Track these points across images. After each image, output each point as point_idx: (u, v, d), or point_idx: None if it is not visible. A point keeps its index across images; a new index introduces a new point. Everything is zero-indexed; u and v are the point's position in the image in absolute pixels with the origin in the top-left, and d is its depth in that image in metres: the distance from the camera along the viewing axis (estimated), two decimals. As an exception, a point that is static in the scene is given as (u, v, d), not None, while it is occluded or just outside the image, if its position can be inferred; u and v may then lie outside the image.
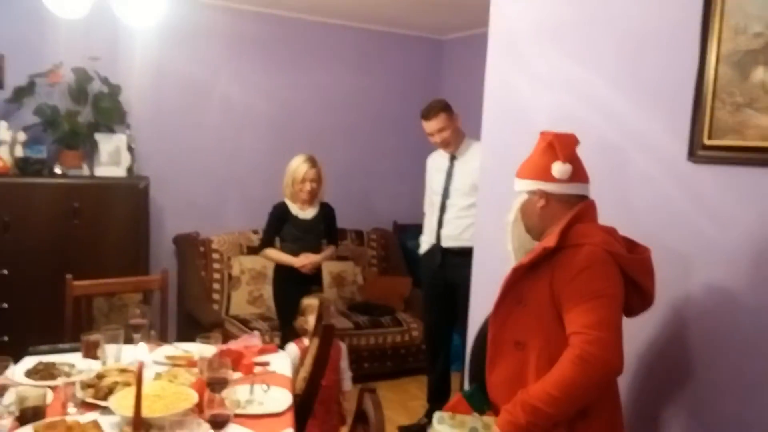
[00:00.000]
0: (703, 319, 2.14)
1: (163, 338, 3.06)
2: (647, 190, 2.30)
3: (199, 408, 1.97)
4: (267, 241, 3.90)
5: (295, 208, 3.85)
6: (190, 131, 4.80)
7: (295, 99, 5.11)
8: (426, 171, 3.96)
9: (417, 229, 5.28)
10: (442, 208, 3.74)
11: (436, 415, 1.99)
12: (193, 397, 2.00)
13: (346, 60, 5.26)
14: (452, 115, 3.68)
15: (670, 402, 2.23)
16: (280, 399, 2.17)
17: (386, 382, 4.56)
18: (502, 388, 1.95)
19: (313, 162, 3.81)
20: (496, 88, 2.97)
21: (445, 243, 3.73)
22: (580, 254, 1.86)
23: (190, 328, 4.31)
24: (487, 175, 3.04)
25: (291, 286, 3.71)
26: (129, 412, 1.85)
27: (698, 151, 2.12)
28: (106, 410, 1.99)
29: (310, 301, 3.11)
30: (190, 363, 2.42)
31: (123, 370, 2.22)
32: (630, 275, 1.91)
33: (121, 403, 1.94)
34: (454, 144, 3.70)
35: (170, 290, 4.57)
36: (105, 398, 2.04)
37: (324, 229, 3.91)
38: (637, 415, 2.27)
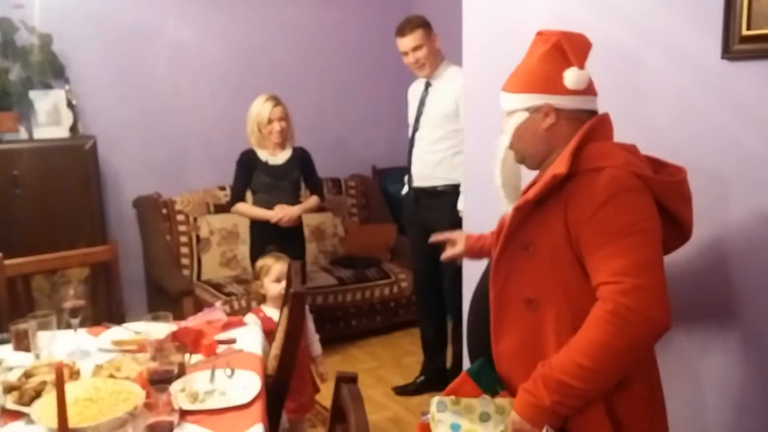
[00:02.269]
0: (747, 254, 1.78)
1: (117, 318, 2.67)
2: (669, 98, 1.91)
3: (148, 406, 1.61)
4: (237, 195, 3.53)
5: (264, 154, 3.46)
6: (139, 83, 4.30)
7: (255, 39, 4.60)
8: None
9: (398, 173, 4.89)
10: (412, 141, 3.34)
11: (435, 400, 1.60)
12: (136, 396, 1.62)
13: (307, -9, 4.75)
14: (430, 34, 3.24)
15: (709, 357, 1.89)
16: (247, 385, 1.80)
17: (377, 338, 4.25)
18: (513, 359, 1.58)
19: (276, 100, 3.42)
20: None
21: (417, 182, 3.35)
22: (600, 181, 1.46)
23: (160, 299, 3.94)
24: (472, 101, 2.63)
25: (269, 243, 3.30)
26: (54, 423, 1.48)
27: (734, 45, 1.72)
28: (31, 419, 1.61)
29: (264, 262, 2.71)
30: (141, 347, 2.04)
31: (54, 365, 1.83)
32: (662, 203, 1.53)
33: (46, 411, 1.57)
34: (429, 66, 3.24)
35: (136, 259, 4.24)
36: (31, 403, 1.67)
37: (300, 176, 3.54)
38: (669, 373, 1.92)
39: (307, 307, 2.76)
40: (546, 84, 1.58)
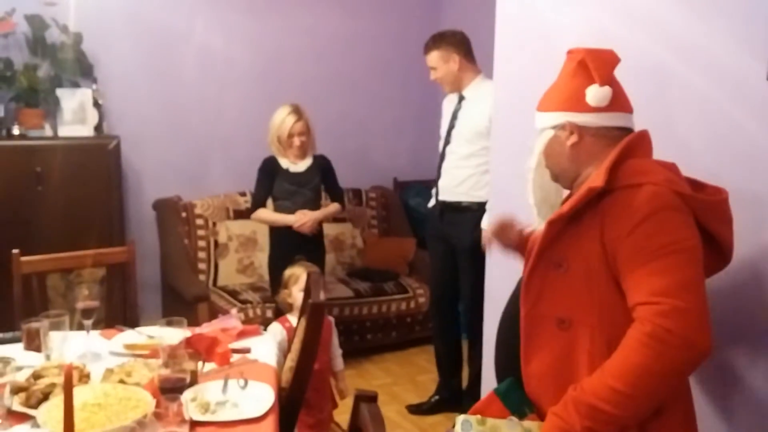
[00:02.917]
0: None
1: (131, 321, 2.64)
2: (710, 119, 1.83)
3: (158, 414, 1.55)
4: (258, 201, 3.51)
5: (285, 162, 3.46)
6: (166, 85, 4.30)
7: (281, 47, 4.59)
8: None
9: (419, 186, 4.86)
10: (443, 155, 3.30)
11: (460, 419, 1.53)
12: (146, 403, 1.57)
13: (337, 1, 4.72)
14: (448, 56, 3.19)
15: (743, 391, 1.80)
16: (261, 398, 1.75)
17: (392, 353, 4.18)
18: (543, 381, 1.51)
19: (298, 113, 3.39)
20: (511, 10, 2.49)
21: (442, 195, 3.31)
22: (640, 197, 1.41)
23: (175, 304, 3.90)
24: (501, 117, 2.58)
25: (289, 252, 3.25)
26: (59, 428, 1.43)
27: (782, 68, 1.65)
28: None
29: (293, 271, 2.69)
30: (153, 353, 2.00)
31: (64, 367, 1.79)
32: (702, 223, 1.47)
33: (52, 414, 1.52)
34: (448, 85, 3.26)
35: (153, 262, 4.20)
36: (38, 405, 1.62)
37: (321, 183, 3.53)
38: (702, 407, 1.84)
39: (332, 320, 2.73)
40: (569, 102, 1.57)
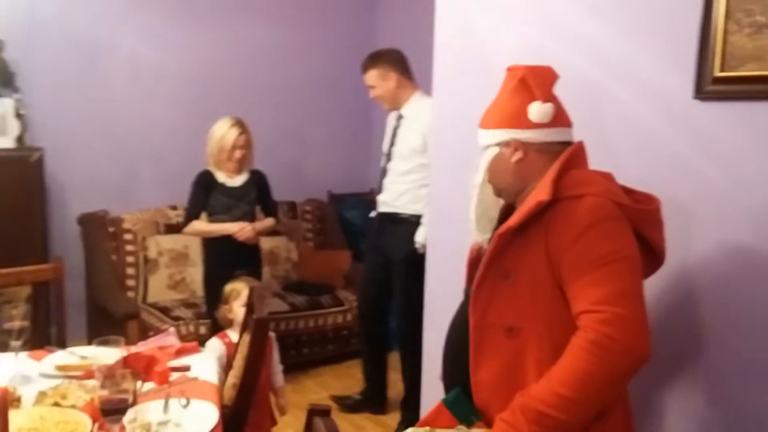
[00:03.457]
0: (714, 288, 1.79)
1: (60, 341, 2.52)
2: (639, 135, 1.93)
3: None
4: (192, 215, 3.43)
5: (221, 176, 3.40)
6: (93, 95, 4.15)
7: (214, 58, 4.51)
8: None
9: (354, 199, 4.88)
10: (384, 172, 3.38)
11: (409, 431, 1.55)
12: (85, 426, 1.51)
13: (270, 12, 4.69)
14: (386, 74, 3.26)
15: (674, 392, 1.89)
16: (204, 416, 1.71)
17: (329, 367, 4.15)
18: (492, 389, 1.54)
19: (242, 127, 3.36)
20: (447, 27, 2.54)
21: (382, 208, 3.40)
22: (582, 208, 1.46)
23: (103, 322, 3.76)
24: (441, 132, 2.61)
25: (225, 266, 3.22)
26: (-8, 455, 1.35)
27: (707, 86, 1.75)
28: (-35, 450, 1.48)
29: (234, 286, 2.65)
30: (87, 374, 1.92)
31: (-6, 391, 1.70)
32: (638, 230, 1.53)
33: (-17, 441, 1.43)
34: (387, 103, 3.33)
35: (77, 279, 4.03)
36: (-35, 433, 1.53)
37: (257, 198, 3.48)
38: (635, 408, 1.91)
39: (273, 336, 2.69)
40: (512, 119, 1.60)
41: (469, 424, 1.58)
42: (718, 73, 1.72)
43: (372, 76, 3.29)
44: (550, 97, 1.60)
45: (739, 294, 1.73)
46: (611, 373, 1.36)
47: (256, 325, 1.80)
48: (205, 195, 3.36)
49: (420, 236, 3.16)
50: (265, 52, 4.69)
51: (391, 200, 3.33)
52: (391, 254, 3.33)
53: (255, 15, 4.62)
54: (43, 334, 2.84)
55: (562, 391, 1.37)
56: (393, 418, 3.47)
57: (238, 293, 2.57)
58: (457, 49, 2.49)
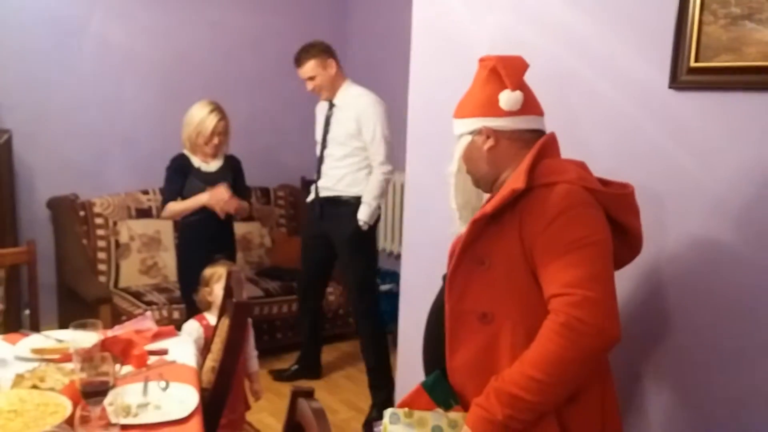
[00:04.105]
0: (684, 276, 1.84)
1: (33, 325, 2.49)
2: (614, 124, 1.96)
3: (73, 421, 1.48)
4: (169, 198, 3.37)
5: (196, 161, 3.36)
6: (61, 77, 4.06)
7: (185, 41, 4.44)
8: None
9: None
10: (321, 158, 3.54)
11: (388, 412, 1.57)
12: (65, 408, 1.50)
13: (243, -6, 4.64)
14: (325, 62, 3.40)
15: (646, 379, 1.94)
16: (184, 399, 1.71)
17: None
18: (468, 373, 1.57)
19: (221, 113, 3.32)
20: (425, 15, 2.55)
21: (322, 193, 3.55)
22: (554, 195, 1.49)
23: (74, 307, 3.71)
24: (416, 121, 2.63)
25: (199, 250, 3.21)
26: (-29, 438, 1.34)
27: (682, 76, 1.78)
28: (-58, 434, 1.46)
29: (215, 269, 2.65)
30: (64, 357, 1.90)
31: (-31, 374, 1.68)
32: (613, 216, 1.57)
33: (-39, 424, 1.42)
34: (327, 91, 3.45)
35: (48, 263, 3.97)
36: (-58, 416, 1.51)
37: (231, 184, 3.41)
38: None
39: (249, 320, 2.68)
40: (484, 107, 1.63)
41: (447, 407, 1.60)
42: (693, 64, 1.76)
43: (312, 67, 3.39)
44: (520, 86, 1.62)
45: (713, 284, 1.78)
46: (581, 354, 1.39)
47: (236, 310, 1.80)
48: (181, 179, 3.31)
49: (362, 214, 3.36)
50: (237, 35, 4.63)
51: (331, 185, 3.48)
52: (335, 236, 3.49)
53: (228, -2, 4.57)
54: (15, 318, 2.79)
55: (534, 373, 1.40)
56: (366, 402, 3.50)
57: (220, 276, 2.56)
58: (434, 36, 2.50)
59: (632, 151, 1.92)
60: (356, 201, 3.39)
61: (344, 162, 3.43)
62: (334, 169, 3.46)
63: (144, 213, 4.11)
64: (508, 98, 1.59)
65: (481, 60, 1.69)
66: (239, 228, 4.27)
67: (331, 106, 3.46)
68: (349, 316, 4.37)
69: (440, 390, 1.61)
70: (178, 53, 4.41)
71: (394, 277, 4.37)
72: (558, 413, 1.49)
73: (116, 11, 4.19)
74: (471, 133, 1.65)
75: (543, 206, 1.49)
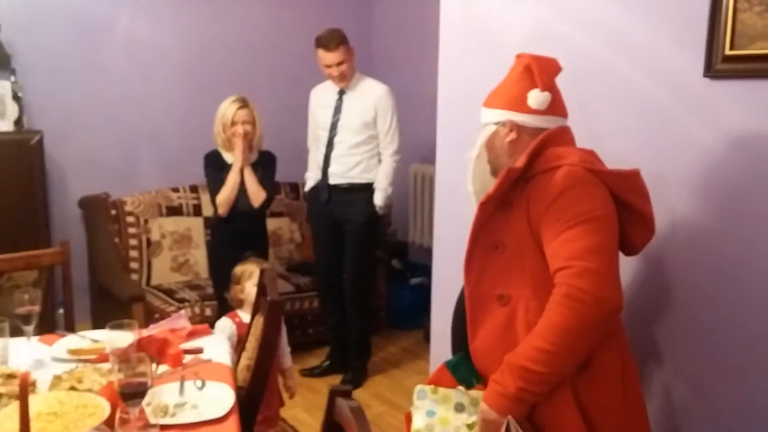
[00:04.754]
0: (721, 266, 1.81)
1: (68, 325, 2.53)
2: (649, 113, 1.94)
3: (112, 422, 1.50)
4: (216, 190, 3.34)
5: (229, 156, 3.36)
6: (90, 76, 4.11)
7: (211, 37, 4.46)
8: (309, 104, 3.74)
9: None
10: (330, 145, 3.55)
11: (417, 388, 1.70)
12: (104, 410, 1.52)
13: (267, -10, 4.64)
14: (351, 48, 3.47)
15: (649, 365, 1.92)
16: (221, 398, 1.72)
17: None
18: (488, 354, 1.64)
19: (243, 102, 3.32)
20: (454, 8, 2.52)
21: (332, 180, 3.58)
22: (557, 176, 1.56)
23: (107, 305, 3.77)
24: (446, 113, 2.61)
25: (230, 247, 3.24)
26: (14, 440, 1.36)
27: (717, 65, 1.75)
28: (-15, 435, 1.49)
29: (246, 267, 2.66)
30: (101, 357, 1.93)
31: (10, 376, 1.70)
32: (621, 197, 1.60)
33: (5, 426, 1.44)
34: (349, 78, 3.51)
35: (80, 262, 4.02)
36: (-15, 417, 1.54)
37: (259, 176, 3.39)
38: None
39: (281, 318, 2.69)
40: (512, 102, 1.69)
41: (469, 386, 1.69)
42: (728, 52, 1.73)
43: (343, 52, 3.41)
44: (549, 87, 1.68)
45: (752, 274, 1.75)
46: (583, 323, 1.43)
47: (270, 307, 1.81)
48: (221, 175, 3.31)
49: (379, 200, 3.52)
50: (265, 31, 4.64)
51: (343, 171, 3.53)
52: (347, 222, 3.56)
53: (253, -7, 4.57)
54: (49, 318, 2.85)
55: (541, 344, 1.45)
56: (401, 396, 3.51)
57: (251, 273, 2.58)
58: (463, 29, 2.48)
59: (668, 142, 1.89)
60: (369, 187, 3.52)
61: (359, 149, 3.50)
62: (348, 156, 3.51)
63: (174, 210, 4.15)
64: (536, 97, 1.66)
65: (518, 56, 1.74)
66: (269, 224, 4.27)
67: (341, 94, 3.51)
68: (381, 311, 4.39)
69: (463, 370, 1.70)
70: (204, 49, 4.44)
71: (424, 270, 4.36)
72: (572, 385, 1.52)
73: (143, 8, 4.22)
74: (496, 123, 1.72)
75: (546, 187, 1.56)
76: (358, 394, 3.60)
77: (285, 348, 2.74)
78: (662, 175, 1.85)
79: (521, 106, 1.67)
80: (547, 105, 1.67)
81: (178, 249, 4.14)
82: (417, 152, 4.55)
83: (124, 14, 4.18)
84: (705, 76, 1.78)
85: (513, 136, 1.69)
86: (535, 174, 1.60)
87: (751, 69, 1.70)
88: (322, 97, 3.62)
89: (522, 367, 1.46)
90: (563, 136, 1.68)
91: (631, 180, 1.62)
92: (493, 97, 1.75)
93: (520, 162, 1.59)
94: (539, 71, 1.66)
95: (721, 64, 1.74)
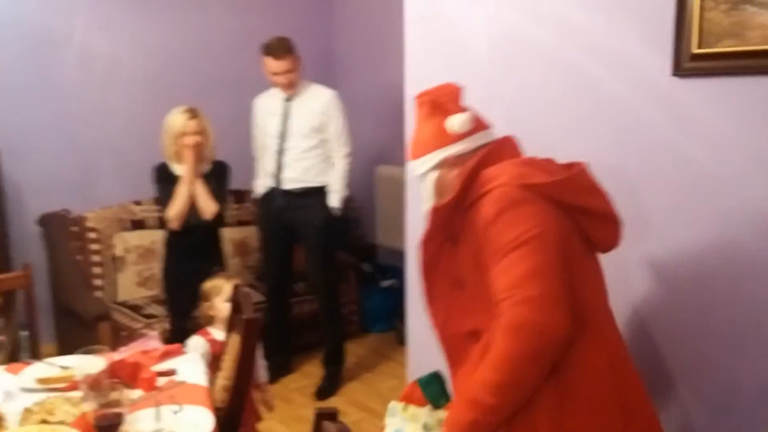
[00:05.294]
0: (693, 266, 1.82)
1: (34, 349, 2.44)
2: (617, 113, 1.94)
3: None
4: (167, 203, 3.22)
5: (179, 168, 3.23)
6: (45, 91, 3.98)
7: (171, 46, 4.36)
8: (253, 113, 3.78)
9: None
10: (281, 151, 3.61)
11: (390, 405, 1.72)
12: (79, 443, 1.46)
13: (224, -2, 4.57)
14: (299, 58, 3.54)
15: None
16: (199, 422, 1.67)
17: (307, 354, 4.09)
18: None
19: (192, 113, 3.20)
20: (420, 10, 2.50)
21: (287, 185, 3.62)
22: (487, 203, 1.50)
23: (72, 325, 3.67)
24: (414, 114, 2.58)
25: (183, 261, 3.20)
26: (-16, 482, 1.30)
27: (685, 63, 1.76)
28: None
29: (215, 283, 2.59)
30: (71, 385, 1.86)
31: (-24, 412, 1.63)
32: (570, 202, 1.52)
33: (-28, 467, 1.38)
34: (295, 86, 3.57)
35: (41, 282, 3.89)
36: (-49, 458, 1.47)
37: (212, 187, 3.26)
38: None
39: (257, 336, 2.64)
40: (436, 140, 1.63)
41: (437, 406, 1.68)
42: (695, 50, 1.74)
43: (292, 61, 3.47)
44: (462, 108, 1.64)
45: (723, 273, 1.77)
46: (527, 352, 1.39)
47: (246, 326, 1.76)
48: (171, 187, 3.20)
49: (336, 201, 3.60)
50: (221, 39, 4.56)
51: (298, 176, 3.58)
52: (303, 225, 3.61)
53: (209, 1, 4.49)
54: (14, 345, 2.75)
55: (489, 375, 1.42)
56: (377, 402, 3.49)
57: (219, 289, 2.52)
58: (428, 32, 2.46)
59: (637, 141, 1.90)
60: (323, 190, 3.59)
61: (311, 153, 3.57)
62: (301, 161, 3.57)
63: (138, 224, 4.05)
64: (456, 122, 1.61)
65: (417, 97, 1.70)
66: (236, 233, 4.25)
67: (287, 99, 3.57)
68: (353, 315, 4.36)
69: (433, 388, 1.71)
70: (164, 59, 4.34)
71: (394, 272, 4.35)
72: (557, 415, 1.47)
73: (98, 20, 4.11)
74: (434, 168, 1.65)
75: (480, 217, 1.51)
76: (333, 402, 3.57)
77: (260, 362, 2.69)
78: (631, 175, 1.86)
79: (446, 139, 1.61)
80: (471, 123, 1.62)
81: (143, 263, 4.04)
82: (382, 154, 4.53)
83: (79, 26, 4.05)
84: (673, 74, 1.79)
85: (455, 170, 1.61)
86: (472, 202, 1.55)
87: (718, 67, 1.71)
88: (268, 105, 3.67)
89: (472, 399, 1.44)
90: (499, 152, 1.61)
91: (576, 181, 1.55)
92: (416, 146, 1.68)
93: (449, 196, 1.55)
94: (444, 98, 1.63)
95: (689, 63, 1.76)
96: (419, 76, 2.53)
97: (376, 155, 4.58)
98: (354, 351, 4.13)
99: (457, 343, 1.64)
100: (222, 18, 4.52)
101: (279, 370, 3.76)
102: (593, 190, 1.58)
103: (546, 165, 1.59)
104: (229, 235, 4.22)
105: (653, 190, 1.85)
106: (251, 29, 4.63)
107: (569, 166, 1.61)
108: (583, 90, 2.00)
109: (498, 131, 2.17)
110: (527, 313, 1.38)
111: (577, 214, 1.53)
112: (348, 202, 3.96)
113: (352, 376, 3.86)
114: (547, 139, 2.04)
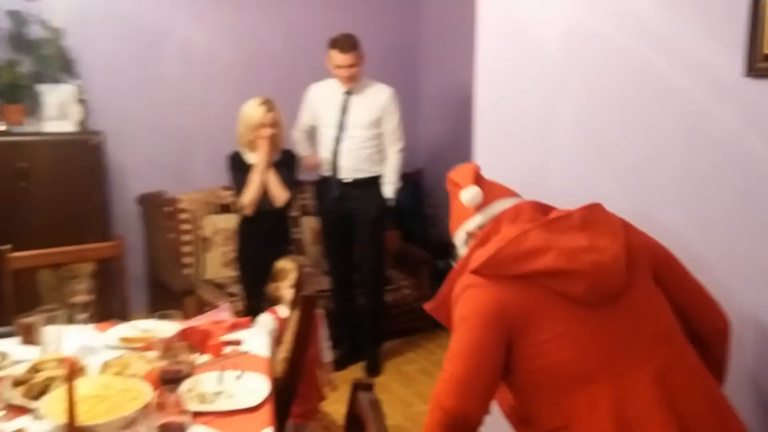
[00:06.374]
0: (762, 265, 1.77)
1: (122, 314, 2.65)
2: (686, 112, 1.90)
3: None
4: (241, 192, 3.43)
5: (252, 157, 3.40)
6: (148, 80, 4.28)
7: (263, 40, 4.59)
8: (308, 100, 3.88)
9: (403, 179, 4.91)
10: (338, 141, 3.72)
11: None
12: (146, 395, 1.61)
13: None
14: (362, 54, 3.70)
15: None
16: (256, 389, 1.79)
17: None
18: None
19: (269, 105, 3.35)
20: (492, 7, 2.53)
21: (344, 174, 3.75)
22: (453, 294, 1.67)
23: (162, 297, 3.91)
24: (484, 113, 2.62)
25: (255, 246, 3.38)
26: (62, 419, 1.46)
27: (757, 64, 1.71)
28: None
29: (283, 265, 2.73)
30: (148, 345, 2.03)
31: (62, 361, 1.81)
32: (511, 274, 1.53)
33: (54, 406, 1.55)
34: (358, 80, 3.72)
35: (137, 256, 4.20)
36: (38, 398, 1.65)
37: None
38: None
39: (322, 312, 2.76)
40: (458, 218, 1.76)
41: None
42: (769, 50, 1.69)
43: (357, 55, 3.64)
44: (472, 183, 1.71)
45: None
46: (434, 427, 1.47)
47: (303, 302, 1.87)
48: (244, 174, 3.37)
49: (390, 192, 3.78)
50: (314, 33, 4.70)
51: (355, 165, 3.72)
52: (359, 215, 3.75)
53: (300, -3, 4.68)
54: (107, 308, 2.98)
55: None
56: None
57: (286, 273, 2.65)
58: (500, 30, 2.48)
59: (707, 142, 1.86)
60: (378, 180, 3.77)
61: (368, 143, 3.71)
62: (358, 150, 3.70)
63: (225, 208, 4.27)
64: (464, 196, 1.69)
65: (447, 181, 1.82)
66: (309, 222, 4.41)
67: (347, 93, 3.70)
68: (423, 310, 4.41)
69: None
70: (255, 53, 4.56)
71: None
72: None
73: (197, 15, 4.37)
74: (466, 242, 1.74)
75: None
76: (403, 394, 3.62)
77: (325, 343, 2.80)
78: (698, 173, 1.83)
79: (466, 213, 1.73)
80: (480, 196, 1.69)
81: (229, 245, 4.25)
82: (459, 152, 4.55)
83: (180, 20, 4.33)
84: (745, 75, 1.74)
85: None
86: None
87: (792, 68, 1.66)
88: (326, 95, 3.78)
89: None
90: (490, 232, 1.63)
91: (505, 253, 1.53)
92: (449, 225, 1.83)
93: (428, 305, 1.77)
94: (458, 179, 1.74)
95: (761, 63, 1.71)
96: (490, 76, 2.55)
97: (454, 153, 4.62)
98: (426, 347, 4.20)
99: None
100: (311, 13, 4.69)
101: (348, 357, 3.86)
102: (534, 251, 1.52)
103: (522, 213, 1.64)
104: (308, 223, 4.39)
105: (720, 189, 1.81)
106: (343, 27, 4.76)
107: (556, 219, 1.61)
108: (651, 87, 1.97)
109: (566, 125, 2.21)
110: (437, 390, 1.49)
111: (534, 277, 1.52)
112: (423, 198, 4.04)
113: (420, 369, 3.92)
114: (613, 137, 2.04)
